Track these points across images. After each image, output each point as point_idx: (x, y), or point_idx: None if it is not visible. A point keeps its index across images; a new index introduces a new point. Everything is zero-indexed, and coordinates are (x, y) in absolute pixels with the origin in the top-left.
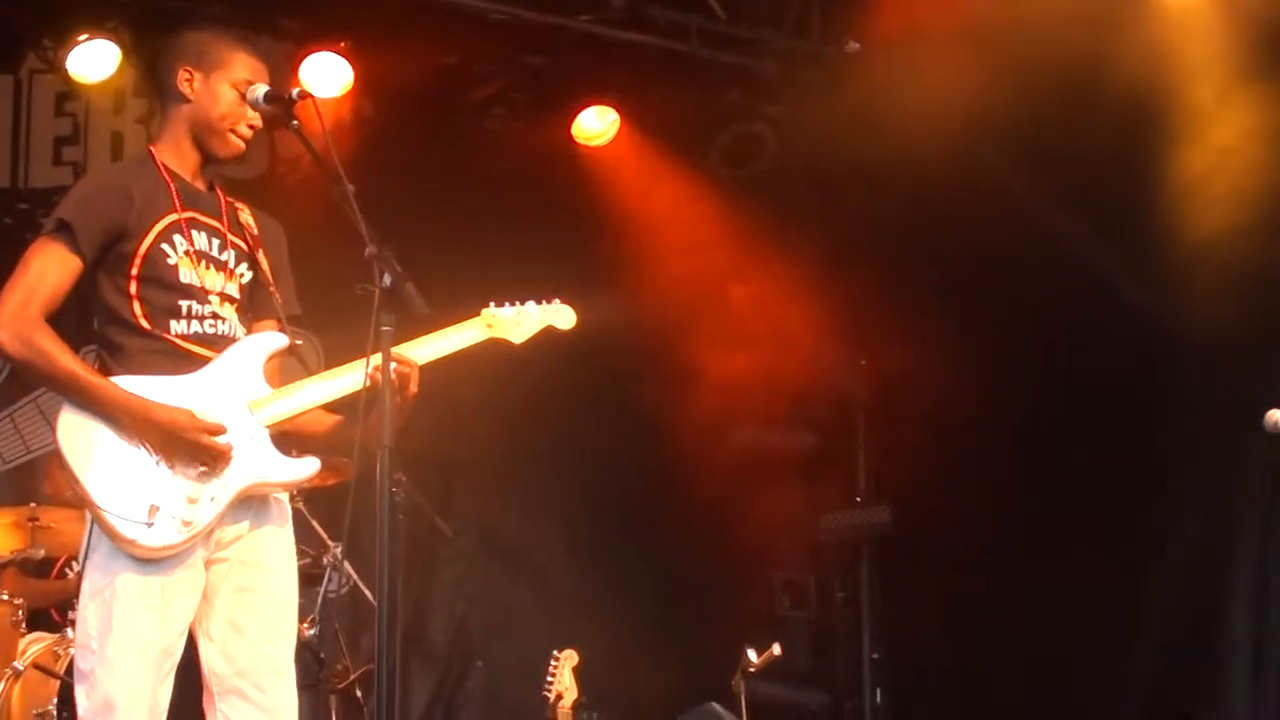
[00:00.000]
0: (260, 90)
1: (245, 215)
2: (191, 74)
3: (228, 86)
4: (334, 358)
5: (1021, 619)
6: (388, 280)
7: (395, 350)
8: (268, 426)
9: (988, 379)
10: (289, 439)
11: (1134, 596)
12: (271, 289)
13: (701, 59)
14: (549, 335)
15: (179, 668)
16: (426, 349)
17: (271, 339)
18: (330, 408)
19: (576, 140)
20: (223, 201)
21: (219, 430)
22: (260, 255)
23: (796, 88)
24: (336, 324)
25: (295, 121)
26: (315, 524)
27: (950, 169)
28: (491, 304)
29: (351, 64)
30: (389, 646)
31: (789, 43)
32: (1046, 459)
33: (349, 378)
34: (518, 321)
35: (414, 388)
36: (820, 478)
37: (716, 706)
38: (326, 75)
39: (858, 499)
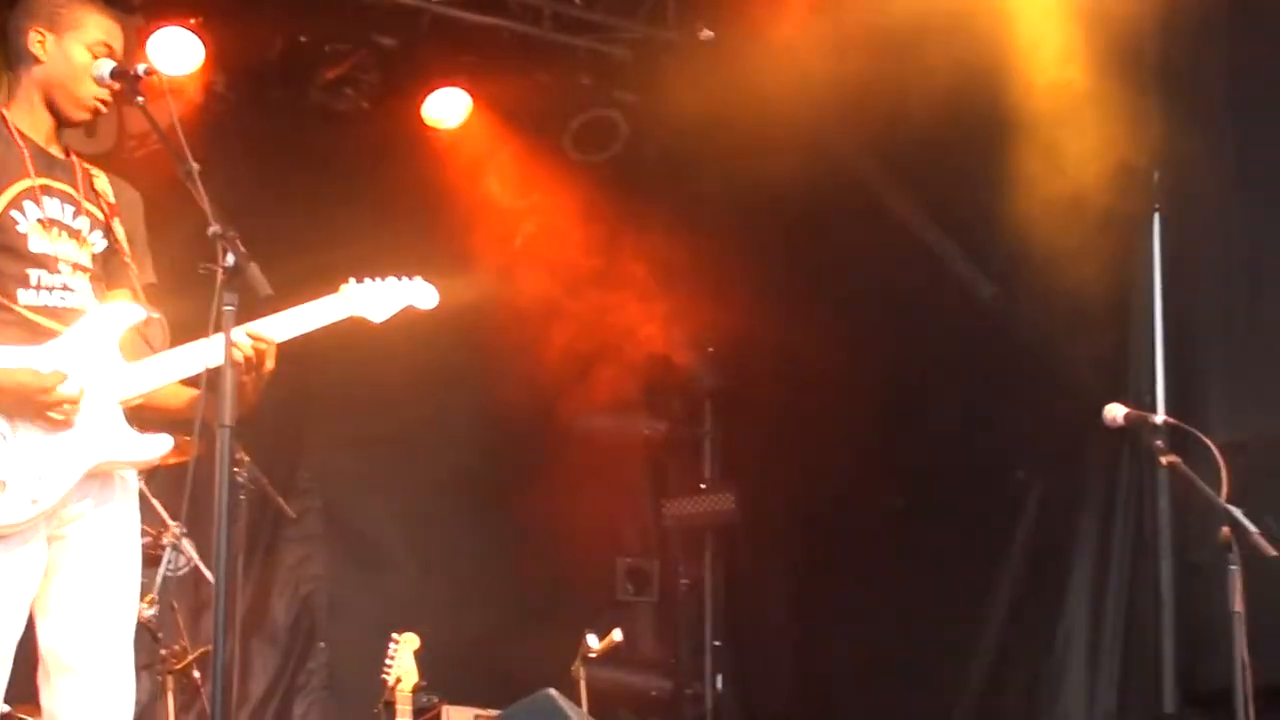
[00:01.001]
0: (106, 66)
1: (101, 182)
2: (44, 35)
3: (81, 48)
4: (178, 336)
5: (865, 609)
6: (231, 260)
7: (252, 327)
8: (120, 402)
9: (837, 369)
10: (140, 410)
11: (977, 589)
12: (126, 258)
13: (554, 43)
14: (400, 317)
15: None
16: (284, 326)
17: (127, 311)
18: (188, 384)
19: (427, 123)
20: (78, 167)
21: (61, 378)
22: (115, 223)
23: (650, 74)
24: (181, 302)
25: (140, 98)
26: (155, 503)
27: (803, 158)
28: (351, 280)
29: (203, 40)
30: (226, 627)
31: (643, 29)
32: (894, 450)
33: (205, 353)
34: (378, 299)
35: (270, 364)
36: (666, 464)
37: (553, 693)
38: (177, 51)
39: (703, 486)
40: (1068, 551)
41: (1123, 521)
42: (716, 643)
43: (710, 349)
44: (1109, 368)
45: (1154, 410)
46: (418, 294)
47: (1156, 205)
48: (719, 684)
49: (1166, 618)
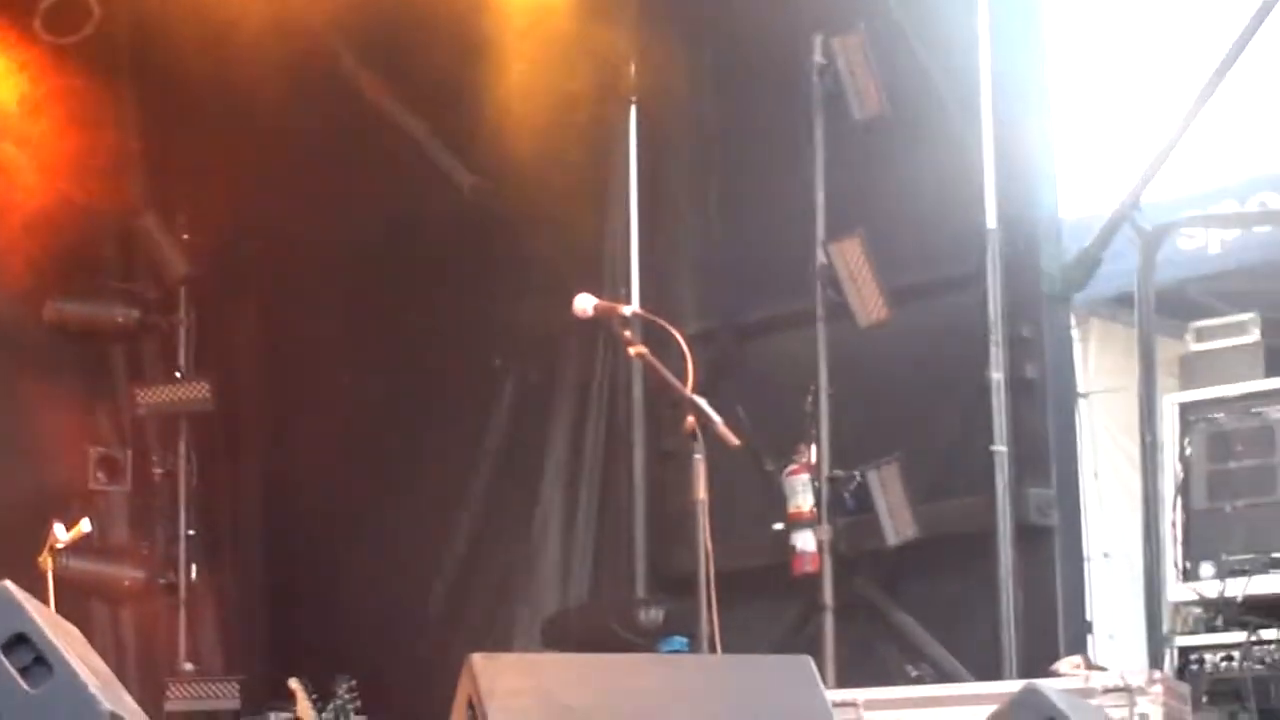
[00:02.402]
0: None
1: None
2: None
3: None
4: None
5: (342, 496)
6: None
7: None
8: None
9: (316, 260)
10: None
11: (454, 476)
12: None
13: None
14: None
15: None
16: None
17: None
18: None
19: None
20: None
21: None
22: None
23: None
24: None
25: None
26: None
27: (279, 44)
28: None
29: None
30: None
31: None
32: (373, 338)
33: None
34: None
35: None
36: (140, 352)
37: (8, 584)
38: None
39: (178, 374)
40: (543, 439)
41: (597, 410)
42: (190, 531)
43: (186, 235)
44: (586, 258)
45: (628, 301)
46: None
47: (633, 98)
48: (193, 573)
49: (639, 505)
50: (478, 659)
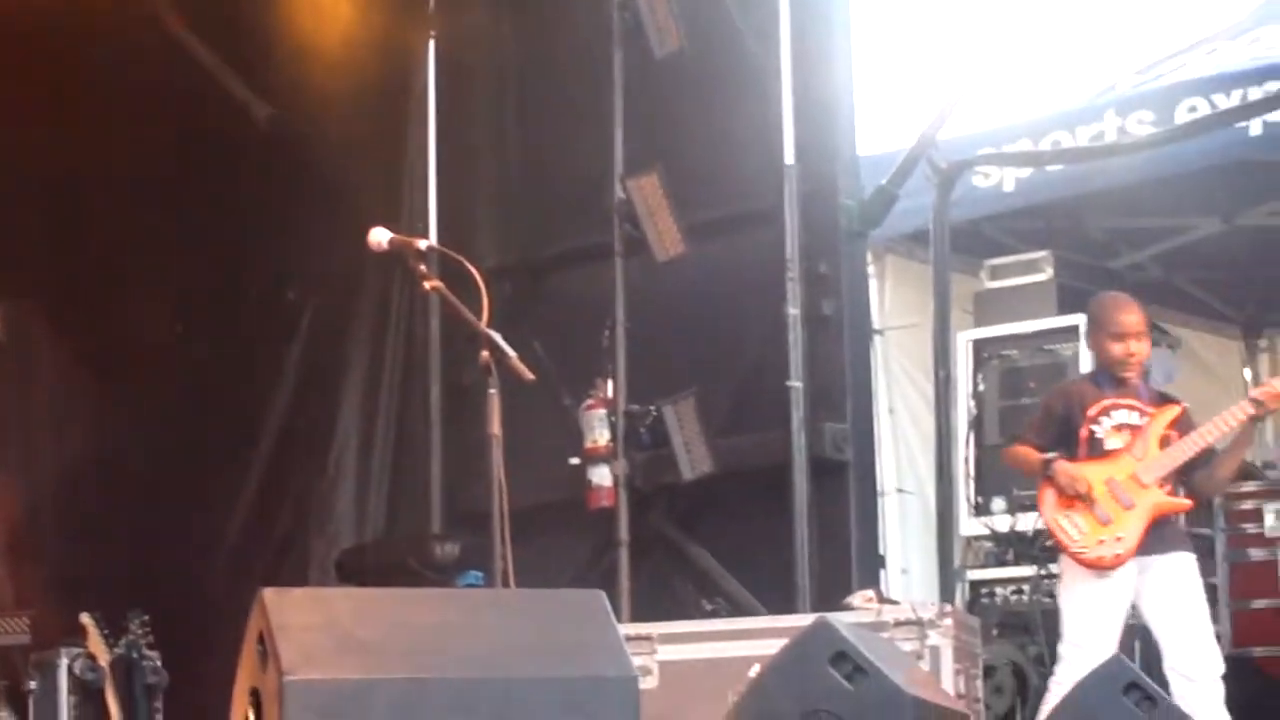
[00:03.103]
0: None
1: None
2: None
3: None
4: None
5: (139, 432)
6: None
7: None
8: None
9: (108, 192)
10: None
11: (250, 412)
12: None
13: None
14: None
15: None
16: None
17: None
18: None
19: None
20: None
21: None
22: None
23: None
24: None
25: None
26: None
27: None
28: None
29: None
30: None
31: None
32: (170, 267)
33: None
34: None
35: None
36: None
37: None
38: None
39: None
40: (339, 374)
41: (394, 344)
42: None
43: None
44: (383, 192)
45: (425, 235)
46: None
47: (432, 30)
48: None
49: (435, 439)
50: (269, 594)
